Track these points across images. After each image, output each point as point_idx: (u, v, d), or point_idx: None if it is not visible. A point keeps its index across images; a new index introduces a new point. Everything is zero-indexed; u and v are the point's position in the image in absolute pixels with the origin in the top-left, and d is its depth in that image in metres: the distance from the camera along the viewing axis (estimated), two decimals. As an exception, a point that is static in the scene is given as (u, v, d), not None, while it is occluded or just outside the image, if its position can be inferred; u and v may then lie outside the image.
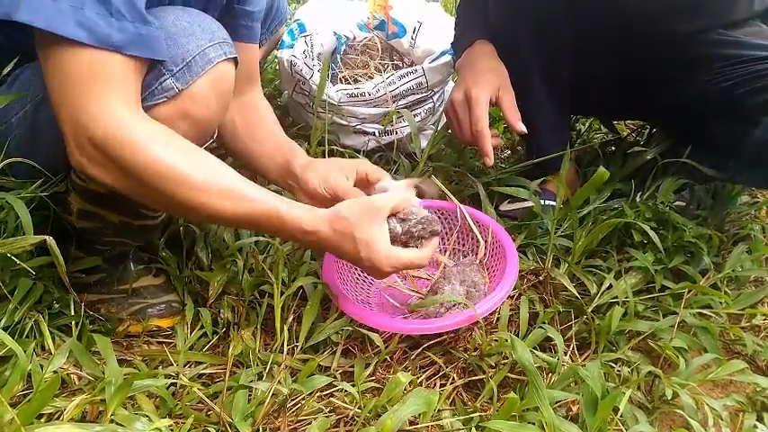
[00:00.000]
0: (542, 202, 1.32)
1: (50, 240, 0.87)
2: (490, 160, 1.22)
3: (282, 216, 0.89)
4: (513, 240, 1.17)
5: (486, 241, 1.17)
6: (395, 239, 0.95)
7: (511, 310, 1.12)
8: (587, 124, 1.82)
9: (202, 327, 1.08)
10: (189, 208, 0.85)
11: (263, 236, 1.18)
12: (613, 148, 1.63)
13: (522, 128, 1.26)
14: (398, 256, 0.94)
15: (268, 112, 1.24)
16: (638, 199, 1.33)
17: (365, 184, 1.10)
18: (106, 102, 0.80)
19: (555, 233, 1.21)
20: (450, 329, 1.01)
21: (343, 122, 1.63)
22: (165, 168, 0.81)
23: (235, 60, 0.95)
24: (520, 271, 1.19)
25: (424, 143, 1.60)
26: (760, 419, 0.99)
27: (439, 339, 1.06)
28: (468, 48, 1.37)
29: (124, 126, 0.80)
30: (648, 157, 1.41)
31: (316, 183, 1.09)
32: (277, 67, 1.82)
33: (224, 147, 1.24)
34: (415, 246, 0.97)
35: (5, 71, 0.94)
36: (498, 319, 1.10)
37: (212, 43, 0.90)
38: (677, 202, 1.36)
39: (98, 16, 0.78)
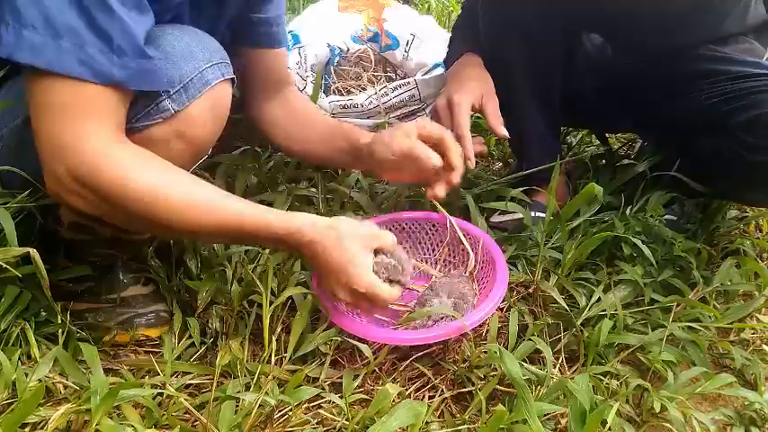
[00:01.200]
0: (533, 213, 1.33)
1: (34, 253, 0.86)
2: (472, 163, 1.22)
3: (270, 221, 0.89)
4: (504, 252, 1.17)
5: (475, 254, 1.17)
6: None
7: (500, 322, 1.12)
8: (578, 137, 1.83)
9: (190, 336, 1.07)
10: (171, 228, 0.86)
11: (253, 245, 1.18)
12: (604, 160, 1.64)
13: (504, 132, 1.27)
14: (374, 283, 0.95)
15: (309, 103, 1.29)
16: (627, 212, 1.34)
17: (428, 141, 1.11)
18: (88, 133, 0.80)
19: (545, 245, 1.22)
20: (438, 340, 1.01)
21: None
22: (147, 192, 0.82)
23: (232, 81, 0.95)
24: (510, 283, 1.19)
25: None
26: (748, 433, 0.99)
27: (428, 351, 1.06)
28: (456, 60, 1.38)
29: (106, 155, 0.81)
30: (639, 171, 1.42)
31: (384, 151, 1.11)
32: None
33: (279, 147, 1.30)
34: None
35: None
36: (488, 330, 1.10)
37: (210, 65, 0.91)
38: (667, 216, 1.36)
39: (100, 53, 0.78)
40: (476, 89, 1.28)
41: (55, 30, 0.76)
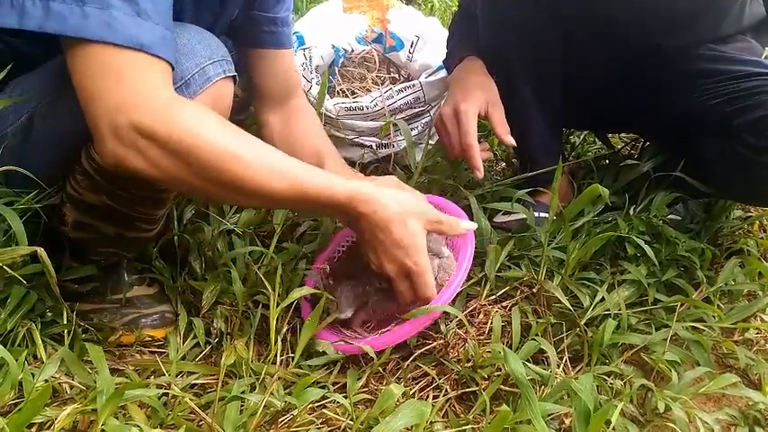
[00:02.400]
0: (536, 214, 1.33)
1: (41, 251, 0.87)
2: (480, 173, 1.23)
3: (334, 186, 0.89)
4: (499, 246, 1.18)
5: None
6: None
7: (504, 321, 1.13)
8: (581, 137, 1.83)
9: (195, 337, 1.08)
10: (238, 187, 0.83)
11: (257, 245, 1.18)
12: (607, 161, 1.64)
13: (510, 141, 1.27)
14: (429, 269, 0.96)
15: (310, 115, 1.28)
16: (631, 212, 1.34)
17: None
18: (144, 88, 0.78)
19: (548, 245, 1.22)
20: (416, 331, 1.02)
21: (340, 135, 1.63)
22: (224, 149, 0.80)
23: (234, 78, 0.95)
24: (514, 279, 1.20)
25: (419, 156, 1.61)
26: (752, 433, 0.99)
27: (429, 348, 1.06)
28: (458, 64, 1.38)
29: (172, 107, 0.79)
30: (642, 171, 1.42)
31: None
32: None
33: None
34: None
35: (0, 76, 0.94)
36: (491, 330, 1.10)
37: (211, 61, 0.90)
38: (671, 216, 1.36)
39: (124, 16, 0.77)
40: (481, 97, 1.28)
41: None
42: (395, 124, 1.57)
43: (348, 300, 1.07)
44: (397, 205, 0.94)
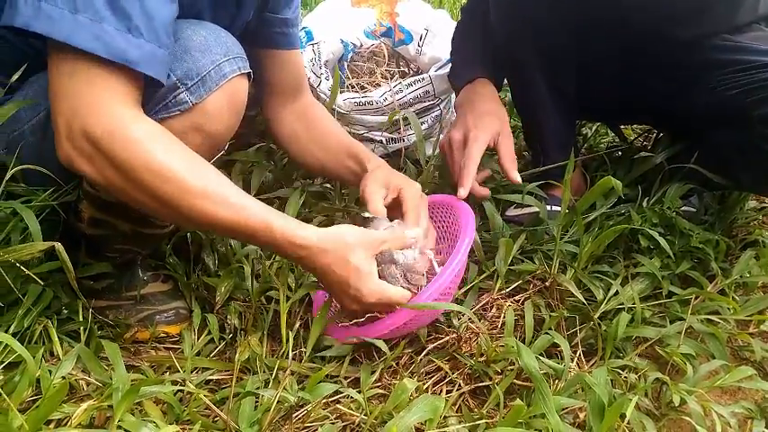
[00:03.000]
0: (549, 207, 1.32)
1: (59, 247, 0.87)
2: (464, 192, 1.19)
3: (274, 227, 0.89)
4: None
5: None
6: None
7: (516, 315, 1.12)
8: (594, 129, 1.82)
9: (209, 333, 1.08)
10: (181, 213, 0.85)
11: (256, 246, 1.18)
12: (620, 153, 1.63)
13: (517, 178, 1.25)
14: (383, 290, 0.96)
15: (326, 116, 1.30)
16: (644, 204, 1.33)
17: (396, 207, 1.13)
18: (108, 100, 0.80)
19: (561, 239, 1.21)
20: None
21: (351, 130, 1.63)
22: (165, 170, 0.82)
23: (249, 75, 0.95)
24: (526, 273, 1.19)
25: (429, 150, 1.60)
26: (768, 426, 0.98)
27: (442, 342, 1.06)
28: (468, 83, 1.37)
29: (124, 123, 0.80)
30: (656, 162, 1.41)
31: (375, 188, 1.12)
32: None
33: (288, 155, 1.33)
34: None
35: (15, 77, 0.95)
36: (503, 324, 1.10)
37: (227, 58, 0.91)
38: (684, 208, 1.35)
39: (116, 32, 0.79)
40: (493, 126, 1.26)
41: (74, 4, 0.77)
42: (405, 118, 1.57)
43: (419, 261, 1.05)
44: (333, 245, 0.93)
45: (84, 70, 0.79)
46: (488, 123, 1.26)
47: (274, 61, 1.25)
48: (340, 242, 0.93)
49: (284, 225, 0.89)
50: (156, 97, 0.88)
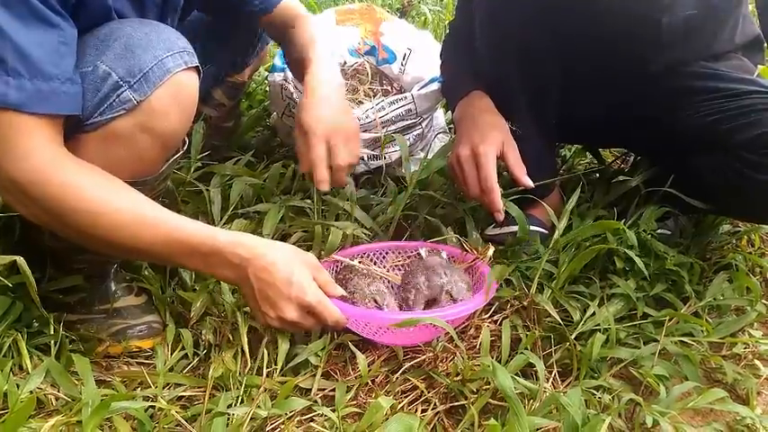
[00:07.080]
0: (528, 227, 1.33)
1: (21, 260, 0.87)
2: (501, 215, 1.23)
3: (217, 236, 0.92)
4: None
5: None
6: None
7: (493, 335, 1.13)
8: (572, 150, 1.84)
9: (183, 348, 1.07)
10: (110, 242, 0.87)
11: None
12: (597, 175, 1.65)
13: (528, 182, 1.27)
14: (323, 296, 0.96)
15: (300, 28, 1.34)
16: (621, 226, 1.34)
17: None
18: (23, 147, 0.81)
19: (538, 259, 1.22)
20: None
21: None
22: (93, 210, 0.84)
23: (197, 69, 0.95)
24: (503, 298, 1.20)
25: (412, 168, 1.61)
26: (740, 448, 0.99)
27: (419, 361, 1.06)
28: (464, 97, 1.38)
29: (45, 171, 0.82)
30: (632, 185, 1.43)
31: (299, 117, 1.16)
32: (267, 90, 1.83)
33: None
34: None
35: None
36: (480, 344, 1.10)
37: (170, 53, 0.90)
38: (660, 231, 1.37)
39: None
40: (498, 138, 1.28)
41: None
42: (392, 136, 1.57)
43: (362, 294, 1.08)
44: (280, 250, 0.95)
45: None
46: (494, 135, 1.27)
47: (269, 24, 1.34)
48: (285, 248, 0.97)
49: (227, 232, 0.93)
50: (100, 96, 0.87)
